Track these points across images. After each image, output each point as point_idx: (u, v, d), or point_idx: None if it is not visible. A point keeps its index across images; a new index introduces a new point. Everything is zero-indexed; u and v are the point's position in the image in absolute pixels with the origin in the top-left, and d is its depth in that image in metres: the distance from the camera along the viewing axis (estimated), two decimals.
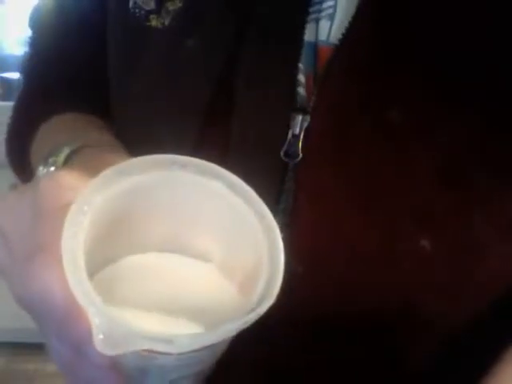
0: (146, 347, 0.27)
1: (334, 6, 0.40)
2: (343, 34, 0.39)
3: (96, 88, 0.51)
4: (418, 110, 0.38)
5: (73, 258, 0.28)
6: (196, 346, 0.28)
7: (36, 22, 0.56)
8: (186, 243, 0.36)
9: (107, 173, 0.31)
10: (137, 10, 0.45)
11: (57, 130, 0.50)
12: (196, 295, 0.35)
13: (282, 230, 0.40)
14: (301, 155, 0.40)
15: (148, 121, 0.45)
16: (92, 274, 0.33)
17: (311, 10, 0.40)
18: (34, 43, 0.56)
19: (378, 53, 0.39)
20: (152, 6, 0.45)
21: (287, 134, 0.40)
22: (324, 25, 0.40)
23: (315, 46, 0.41)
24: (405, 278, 0.40)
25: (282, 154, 0.40)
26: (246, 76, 0.41)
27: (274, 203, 0.40)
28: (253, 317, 0.29)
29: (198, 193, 0.33)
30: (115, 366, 0.31)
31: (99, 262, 0.34)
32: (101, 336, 0.27)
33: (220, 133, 0.42)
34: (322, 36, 0.40)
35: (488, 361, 0.41)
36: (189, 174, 0.32)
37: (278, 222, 0.40)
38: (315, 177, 0.40)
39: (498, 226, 0.38)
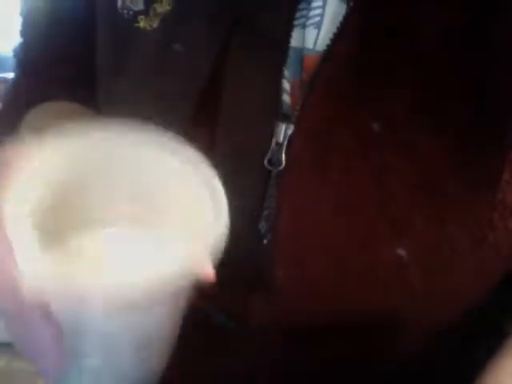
0: (62, 287, 0.27)
1: (321, 15, 0.40)
2: (328, 45, 0.39)
3: (85, 87, 0.51)
4: (399, 123, 0.38)
5: (14, 206, 0.28)
6: (117, 289, 0.27)
7: (27, 22, 0.56)
8: (139, 216, 0.35)
9: (55, 139, 0.31)
10: (125, 11, 0.45)
11: (42, 114, 0.51)
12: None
13: (265, 236, 0.41)
14: (284, 163, 0.40)
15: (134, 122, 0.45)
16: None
17: (297, 15, 0.41)
18: (26, 43, 0.57)
19: (362, 64, 0.39)
20: (140, 6, 0.45)
21: (271, 141, 0.40)
22: (311, 33, 0.40)
23: (301, 53, 0.41)
24: (382, 284, 0.40)
25: (265, 161, 0.40)
26: (232, 81, 0.41)
27: (257, 209, 0.41)
28: (179, 269, 0.28)
29: (147, 163, 0.33)
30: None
31: (50, 238, 0.33)
32: (27, 273, 0.27)
33: (205, 137, 0.42)
34: (309, 44, 0.40)
35: (468, 361, 0.41)
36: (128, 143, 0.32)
37: (262, 228, 0.41)
38: (297, 185, 0.40)
39: (472, 236, 0.39)
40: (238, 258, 0.42)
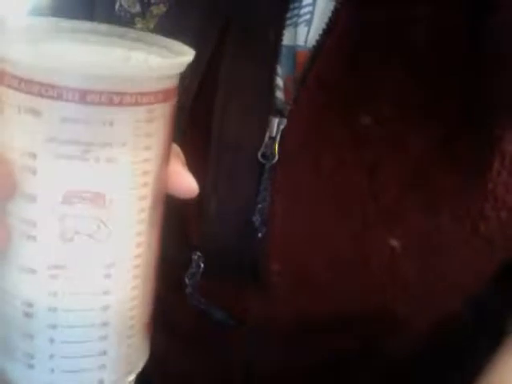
0: None
1: (312, 12, 0.41)
2: (317, 41, 0.39)
3: None
4: (390, 117, 0.39)
5: None
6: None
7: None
8: None
9: None
10: (122, 13, 0.46)
11: None
12: None
13: (259, 229, 0.41)
14: (277, 157, 0.40)
15: None
16: None
17: (289, 14, 0.41)
18: None
19: (352, 61, 0.39)
20: (137, 9, 0.45)
21: (264, 136, 0.41)
22: (302, 30, 0.41)
23: (294, 51, 0.41)
24: (376, 277, 0.40)
25: (259, 155, 0.40)
26: (226, 78, 0.42)
27: (251, 203, 0.41)
28: (163, 60, 0.25)
29: None
30: None
31: None
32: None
33: (200, 133, 0.42)
34: (301, 41, 0.41)
35: (468, 361, 0.41)
36: None
37: (256, 221, 0.41)
38: (290, 178, 0.40)
39: (464, 227, 0.39)
40: (234, 253, 0.42)
